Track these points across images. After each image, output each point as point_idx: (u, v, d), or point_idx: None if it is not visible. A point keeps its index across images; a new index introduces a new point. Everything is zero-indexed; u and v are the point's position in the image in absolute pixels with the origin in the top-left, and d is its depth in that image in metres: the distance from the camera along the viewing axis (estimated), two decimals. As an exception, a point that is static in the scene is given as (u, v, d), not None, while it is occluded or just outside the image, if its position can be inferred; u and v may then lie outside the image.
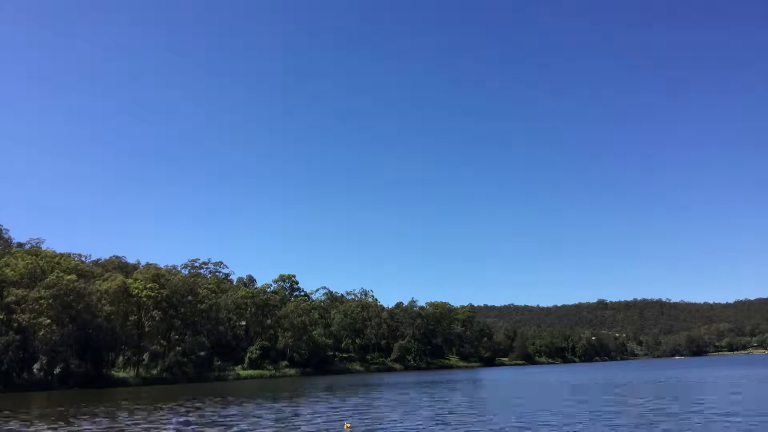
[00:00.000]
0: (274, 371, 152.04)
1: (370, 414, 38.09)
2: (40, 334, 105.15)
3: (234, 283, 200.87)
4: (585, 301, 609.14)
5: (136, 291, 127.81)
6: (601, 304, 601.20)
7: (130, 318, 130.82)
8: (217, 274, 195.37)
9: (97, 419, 40.04)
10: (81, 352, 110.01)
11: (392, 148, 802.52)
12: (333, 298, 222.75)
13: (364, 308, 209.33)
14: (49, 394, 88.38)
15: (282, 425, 33.26)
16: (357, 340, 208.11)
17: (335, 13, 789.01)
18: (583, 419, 31.48)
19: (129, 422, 37.11)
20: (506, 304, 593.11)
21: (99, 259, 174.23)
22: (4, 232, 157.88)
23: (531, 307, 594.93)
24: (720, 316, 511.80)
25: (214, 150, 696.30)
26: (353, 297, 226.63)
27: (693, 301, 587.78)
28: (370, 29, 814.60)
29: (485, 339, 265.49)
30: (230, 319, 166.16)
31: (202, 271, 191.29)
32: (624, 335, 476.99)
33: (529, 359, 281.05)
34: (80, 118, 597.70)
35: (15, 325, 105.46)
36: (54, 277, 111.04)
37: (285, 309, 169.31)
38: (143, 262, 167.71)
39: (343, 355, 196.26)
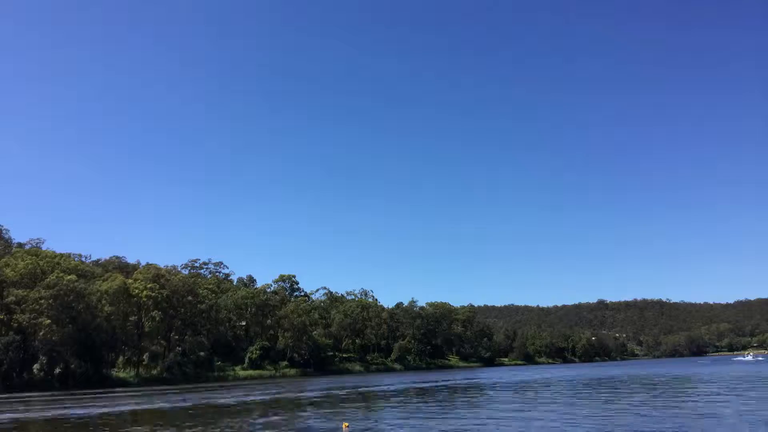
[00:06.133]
0: (274, 371, 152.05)
1: (371, 415, 38.08)
2: (40, 334, 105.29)
3: (234, 283, 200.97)
4: (585, 301, 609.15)
5: (136, 291, 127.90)
6: (601, 304, 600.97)
7: (130, 318, 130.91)
8: (217, 274, 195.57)
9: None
10: (81, 352, 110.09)
11: (392, 148, 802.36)
12: (333, 299, 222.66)
13: (364, 308, 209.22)
14: (50, 394, 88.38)
15: None
16: (357, 341, 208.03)
17: (335, 13, 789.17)
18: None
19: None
20: (506, 304, 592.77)
21: (99, 260, 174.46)
22: (4, 232, 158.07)
23: (531, 307, 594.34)
24: (720, 316, 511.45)
25: (213, 150, 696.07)
26: (353, 297, 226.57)
27: (693, 301, 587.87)
28: (370, 29, 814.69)
29: (485, 339, 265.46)
30: (230, 320, 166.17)
31: (202, 271, 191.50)
32: (624, 335, 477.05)
33: (529, 359, 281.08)
34: (80, 118, 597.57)
35: (15, 325, 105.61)
36: (54, 278, 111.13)
37: (285, 309, 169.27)
38: (143, 263, 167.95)
39: (343, 355, 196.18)
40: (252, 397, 61.99)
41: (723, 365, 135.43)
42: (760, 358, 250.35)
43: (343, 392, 67.79)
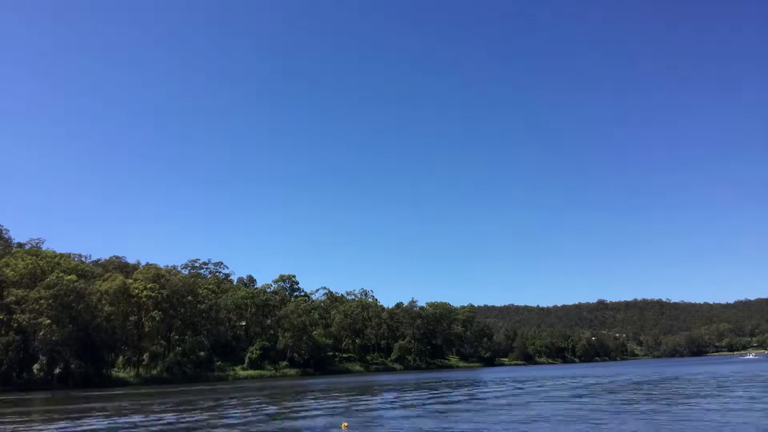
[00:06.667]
0: (274, 371, 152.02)
1: (368, 413, 38.10)
2: (40, 334, 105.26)
3: (234, 283, 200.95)
4: (585, 301, 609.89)
5: (136, 291, 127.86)
6: (601, 304, 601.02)
7: (130, 318, 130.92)
8: (217, 274, 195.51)
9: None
10: (81, 352, 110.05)
11: (392, 148, 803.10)
12: (333, 299, 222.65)
13: (364, 308, 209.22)
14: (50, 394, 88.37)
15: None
16: (357, 341, 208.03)
17: (335, 13, 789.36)
18: None
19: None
20: (506, 304, 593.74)
21: (99, 260, 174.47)
22: (4, 232, 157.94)
23: (531, 307, 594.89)
24: (720, 316, 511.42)
25: (213, 150, 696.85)
26: (353, 297, 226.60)
27: (693, 301, 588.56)
28: (370, 29, 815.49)
29: (485, 339, 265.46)
30: (230, 319, 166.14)
31: (202, 271, 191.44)
32: (624, 335, 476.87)
33: (529, 359, 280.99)
34: (80, 119, 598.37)
35: (15, 325, 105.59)
36: (54, 278, 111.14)
37: (285, 309, 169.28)
38: (143, 263, 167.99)
39: (343, 355, 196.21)
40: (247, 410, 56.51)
41: (748, 364, 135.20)
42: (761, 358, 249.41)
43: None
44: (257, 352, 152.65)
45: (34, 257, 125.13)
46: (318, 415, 37.78)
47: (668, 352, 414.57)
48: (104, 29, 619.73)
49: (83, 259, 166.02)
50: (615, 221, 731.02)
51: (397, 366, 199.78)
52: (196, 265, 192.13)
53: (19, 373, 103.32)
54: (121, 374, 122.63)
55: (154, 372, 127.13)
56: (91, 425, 36.33)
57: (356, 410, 40.85)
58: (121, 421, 38.40)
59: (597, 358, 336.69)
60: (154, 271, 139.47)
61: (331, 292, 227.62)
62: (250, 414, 40.69)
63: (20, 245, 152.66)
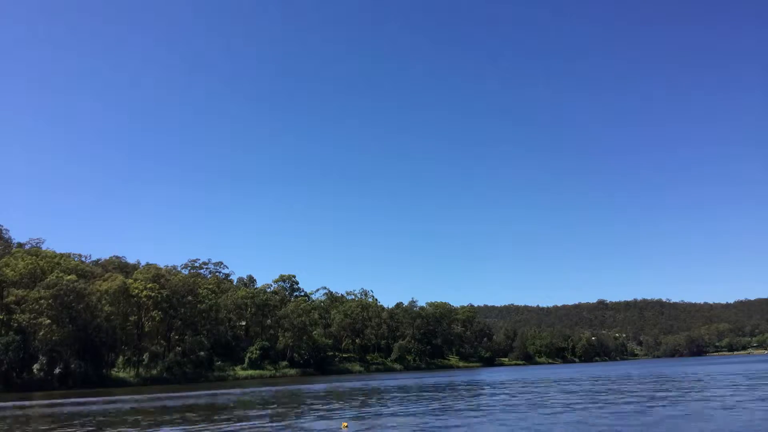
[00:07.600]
0: (274, 371, 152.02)
1: (369, 413, 38.04)
2: (40, 334, 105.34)
3: (234, 283, 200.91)
4: (585, 301, 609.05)
5: (136, 291, 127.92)
6: (601, 304, 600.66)
7: (130, 318, 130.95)
8: (217, 274, 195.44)
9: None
10: (81, 352, 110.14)
11: (392, 148, 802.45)
12: (333, 298, 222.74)
13: (364, 308, 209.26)
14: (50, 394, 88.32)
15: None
16: (357, 340, 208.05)
17: (336, 13, 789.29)
18: None
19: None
20: (506, 304, 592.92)
21: (99, 260, 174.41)
22: (4, 232, 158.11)
23: (531, 307, 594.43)
24: (720, 316, 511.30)
25: (214, 150, 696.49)
26: (353, 297, 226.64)
27: (693, 301, 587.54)
28: (371, 29, 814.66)
29: (485, 339, 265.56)
30: (230, 319, 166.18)
31: (202, 271, 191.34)
32: (624, 335, 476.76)
33: (529, 359, 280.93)
34: (80, 118, 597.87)
35: (15, 325, 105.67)
36: (54, 278, 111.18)
37: (285, 309, 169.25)
38: (143, 263, 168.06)
39: (343, 355, 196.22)
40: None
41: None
42: None
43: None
44: (257, 352, 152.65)
45: (34, 257, 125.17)
46: (318, 413, 37.73)
47: (668, 352, 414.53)
48: (104, 29, 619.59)
49: (83, 259, 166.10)
50: (615, 221, 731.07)
51: (397, 366, 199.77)
52: (196, 265, 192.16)
53: (19, 373, 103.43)
54: (121, 374, 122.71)
55: (154, 372, 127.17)
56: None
57: (357, 409, 40.80)
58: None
59: (597, 358, 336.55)
60: (154, 271, 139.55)
61: (331, 292, 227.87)
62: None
63: (20, 245, 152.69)
